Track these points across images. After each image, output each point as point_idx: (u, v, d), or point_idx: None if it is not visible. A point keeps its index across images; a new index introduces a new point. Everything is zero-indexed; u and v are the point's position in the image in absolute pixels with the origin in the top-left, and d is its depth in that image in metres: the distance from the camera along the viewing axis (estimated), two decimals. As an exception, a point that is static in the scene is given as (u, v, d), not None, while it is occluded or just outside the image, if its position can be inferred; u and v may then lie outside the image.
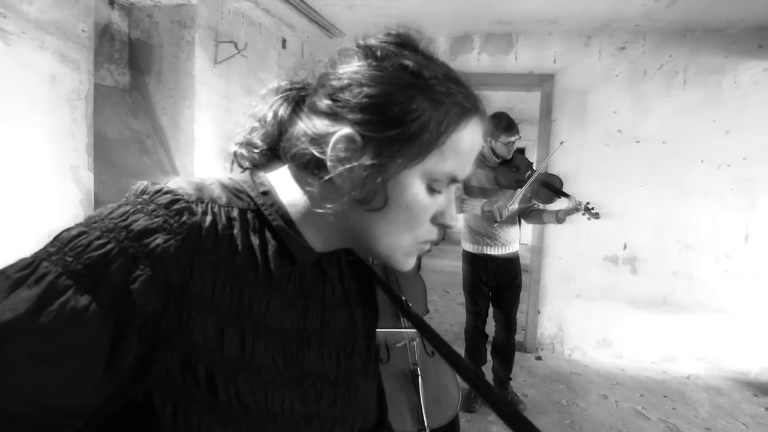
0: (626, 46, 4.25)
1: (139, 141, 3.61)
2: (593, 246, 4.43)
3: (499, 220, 3.06)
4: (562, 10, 3.85)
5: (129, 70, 3.77)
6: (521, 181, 3.27)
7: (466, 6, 3.84)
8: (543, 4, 3.72)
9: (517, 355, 4.46)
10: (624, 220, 4.35)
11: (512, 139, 3.26)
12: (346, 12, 4.08)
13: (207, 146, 3.82)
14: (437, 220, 0.67)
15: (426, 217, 0.66)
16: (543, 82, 4.41)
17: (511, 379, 3.67)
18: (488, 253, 3.46)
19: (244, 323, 0.58)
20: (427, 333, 0.70)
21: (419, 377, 2.35)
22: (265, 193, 0.67)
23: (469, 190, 3.43)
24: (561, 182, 3.30)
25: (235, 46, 3.84)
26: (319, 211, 0.64)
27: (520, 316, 5.32)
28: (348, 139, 0.61)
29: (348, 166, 0.60)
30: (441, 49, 4.59)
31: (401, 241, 0.66)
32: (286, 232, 0.65)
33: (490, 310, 3.62)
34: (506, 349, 3.61)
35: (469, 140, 0.64)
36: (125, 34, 3.72)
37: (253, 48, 4.37)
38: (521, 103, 7.99)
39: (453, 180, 0.65)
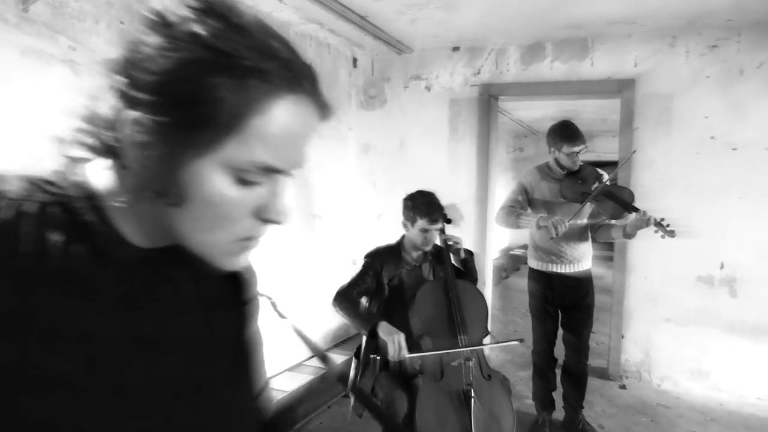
0: (718, 44, 3.85)
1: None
2: (684, 265, 4.02)
3: (554, 236, 2.86)
4: (638, 10, 3.58)
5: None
6: (587, 194, 3.04)
7: (533, 12, 3.68)
8: (617, 3, 3.48)
9: (599, 383, 4.15)
10: (720, 237, 3.91)
11: (576, 149, 3.05)
12: (409, 27, 4.06)
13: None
14: (261, 215, 0.61)
15: (240, 212, 0.59)
16: (623, 87, 4.11)
17: (583, 407, 3.39)
18: (554, 270, 3.24)
19: (26, 333, 0.52)
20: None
21: (472, 399, 2.23)
22: (79, 185, 0.59)
23: (533, 203, 3.25)
24: (631, 195, 3.03)
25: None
26: (117, 204, 0.57)
27: (603, 340, 4.95)
28: (135, 122, 0.53)
29: (141, 153, 0.54)
30: (512, 59, 4.44)
31: (215, 239, 0.59)
32: (94, 227, 0.58)
33: (560, 332, 3.38)
34: (578, 374, 3.34)
35: (281, 123, 0.56)
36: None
37: (322, 68, 4.47)
38: (615, 114, 7.52)
39: (269, 170, 0.58)
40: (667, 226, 2.87)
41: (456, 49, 4.62)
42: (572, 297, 3.26)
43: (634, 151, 3.45)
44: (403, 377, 2.38)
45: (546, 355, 3.37)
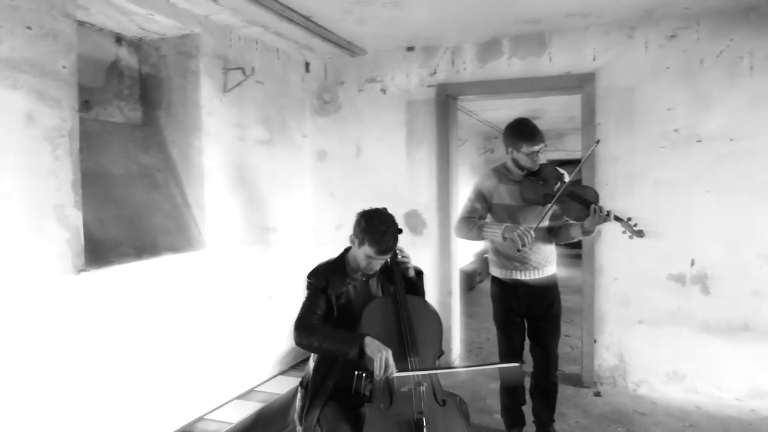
0: (677, 34, 3.72)
1: (148, 176, 3.53)
2: (654, 264, 3.86)
3: (521, 248, 2.67)
4: (594, 1, 3.42)
5: (141, 106, 3.73)
6: (550, 195, 2.84)
7: (487, 6, 3.49)
8: (571, -5, 3.32)
9: (573, 391, 3.96)
10: (689, 233, 3.76)
11: (535, 148, 2.85)
12: (357, 27, 3.85)
13: (217, 178, 3.68)
14: None
15: None
16: (582, 82, 3.95)
17: (554, 421, 3.19)
18: (518, 278, 3.04)
19: None
20: None
21: (424, 428, 2.00)
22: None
23: (493, 208, 3.05)
24: (595, 194, 2.85)
25: (243, 72, 3.71)
26: None
27: (577, 344, 4.77)
28: None
29: None
30: (468, 57, 4.25)
31: None
32: None
33: (527, 343, 3.18)
34: (547, 387, 3.15)
35: None
36: (135, 70, 3.69)
37: (271, 73, 4.25)
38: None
39: None
40: (635, 225, 2.69)
41: (411, 48, 4.42)
42: (539, 306, 3.06)
43: (598, 142, 3.25)
44: (352, 406, 2.14)
45: (513, 368, 3.16)
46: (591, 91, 3.93)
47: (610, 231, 3.87)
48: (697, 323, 3.78)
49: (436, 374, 2.20)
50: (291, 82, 4.55)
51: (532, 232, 2.67)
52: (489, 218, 3.11)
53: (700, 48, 3.68)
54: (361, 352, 2.00)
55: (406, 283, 2.42)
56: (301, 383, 2.36)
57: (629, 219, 2.71)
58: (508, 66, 4.14)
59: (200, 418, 2.97)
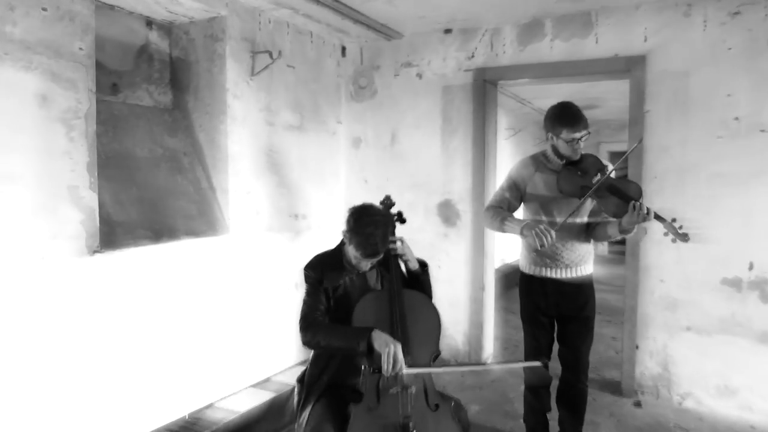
0: (741, 11, 3.34)
1: (174, 159, 3.53)
2: (707, 265, 3.52)
3: (539, 247, 2.45)
4: (643, -26, 3.11)
5: (171, 90, 3.73)
6: (587, 187, 2.60)
7: (523, -16, 3.26)
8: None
9: (610, 399, 3.70)
10: (748, 233, 3.39)
11: (576, 135, 2.60)
12: (388, 7, 3.69)
13: (243, 162, 3.64)
14: None
15: None
16: (631, 65, 3.63)
17: (582, 434, 2.96)
18: (548, 275, 2.81)
19: None
20: None
21: None
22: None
23: (526, 198, 2.83)
24: (638, 190, 2.57)
25: (270, 55, 3.64)
26: None
27: (617, 347, 4.43)
28: None
29: None
30: (508, 40, 4.01)
31: None
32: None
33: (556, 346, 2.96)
34: (574, 396, 2.92)
35: None
36: (166, 53, 3.70)
37: (303, 57, 4.16)
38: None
39: None
40: (680, 228, 2.41)
41: (448, 31, 4.22)
42: (569, 307, 2.83)
43: (641, 141, 2.93)
44: (347, 403, 2.03)
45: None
46: (640, 76, 3.61)
47: (658, 229, 3.54)
48: (754, 333, 3.41)
49: (431, 376, 2.04)
50: (325, 67, 4.45)
51: (553, 233, 2.45)
52: (523, 208, 2.90)
53: (768, 26, 3.29)
54: (370, 347, 1.90)
55: (408, 276, 2.28)
56: (298, 378, 2.27)
57: (674, 220, 2.43)
58: (551, 48, 3.87)
59: (210, 405, 2.96)
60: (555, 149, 2.71)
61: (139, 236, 3.05)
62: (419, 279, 2.31)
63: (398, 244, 2.24)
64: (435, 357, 2.10)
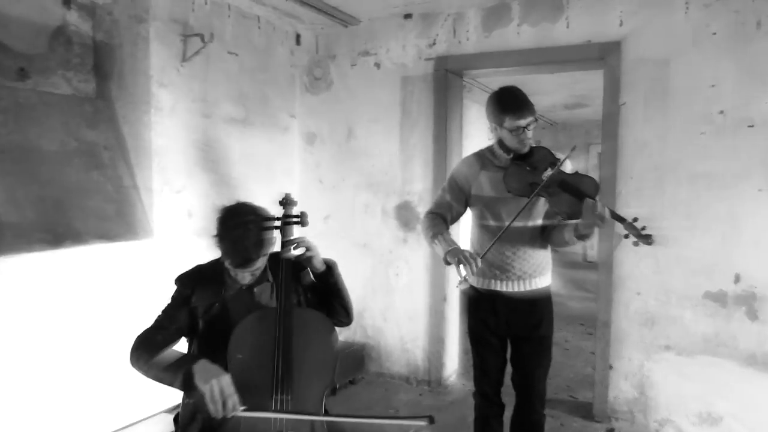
0: (727, -9, 2.96)
1: (91, 154, 3.15)
2: (688, 277, 3.13)
3: (462, 278, 2.14)
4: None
5: (94, 77, 3.35)
6: (536, 184, 2.22)
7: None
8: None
9: (580, 425, 3.32)
10: (734, 242, 3.01)
11: (521, 122, 2.21)
12: (336, -13, 3.32)
13: (171, 157, 3.26)
14: None
15: None
16: (605, 53, 3.25)
17: (538, 472, 2.56)
18: (497, 289, 2.43)
19: None
20: None
21: None
22: None
23: (472, 201, 2.44)
24: (594, 186, 2.19)
25: (201, 38, 3.26)
26: None
27: (583, 371, 4.05)
28: None
29: None
30: (472, 25, 3.63)
31: None
32: None
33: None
34: (529, 428, 2.53)
35: None
36: (88, 36, 3.31)
37: (248, 44, 3.78)
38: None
39: None
40: (642, 229, 2.05)
41: (408, 16, 3.84)
42: (521, 325, 2.44)
43: (574, 148, 2.50)
44: None
45: (487, 401, 2.56)
46: (615, 64, 3.23)
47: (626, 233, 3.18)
48: (740, 354, 3.03)
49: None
50: (276, 56, 4.07)
51: (479, 260, 2.11)
52: (469, 212, 2.52)
53: (757, 8, 2.91)
54: (190, 383, 1.49)
55: (318, 282, 1.90)
56: (174, 418, 1.88)
57: (635, 220, 2.06)
58: (518, 34, 3.49)
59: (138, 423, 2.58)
60: (501, 143, 2.34)
61: (35, 240, 2.67)
62: (328, 282, 1.91)
63: (297, 250, 1.85)
64: (329, 392, 1.70)
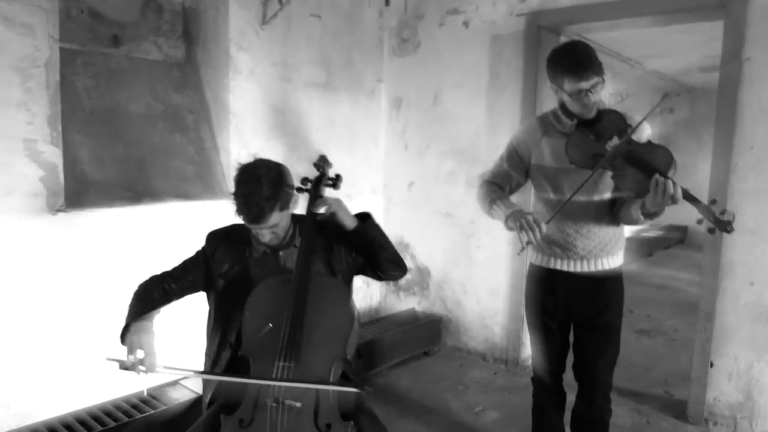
0: None
1: (176, 117, 3.31)
2: (817, 268, 2.62)
3: (524, 245, 1.90)
4: None
5: (183, 43, 3.50)
6: (600, 155, 1.94)
7: None
8: None
9: (670, 425, 3.00)
10: None
11: (584, 84, 1.92)
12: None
13: (249, 121, 3.33)
14: None
15: None
16: (728, 0, 2.75)
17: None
18: (557, 268, 2.18)
19: None
20: None
21: None
22: None
23: (532, 171, 2.20)
24: (667, 159, 1.85)
25: (279, 0, 3.25)
26: None
27: (687, 366, 3.53)
28: None
29: None
30: (568, -25, 3.25)
31: None
32: None
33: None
34: (589, 423, 2.28)
35: None
36: (178, 3, 3.46)
37: (333, 6, 3.73)
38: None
39: None
40: (721, 213, 1.72)
41: (500, -33, 3.53)
42: (584, 310, 2.18)
43: (666, 95, 2.13)
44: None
45: (546, 385, 2.35)
46: (739, 11, 2.71)
47: (751, 213, 2.72)
48: None
49: (323, 392, 1.55)
50: (363, 18, 3.97)
51: (544, 226, 1.87)
52: (533, 184, 2.28)
53: None
54: (123, 337, 1.60)
55: (355, 240, 1.81)
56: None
57: (713, 202, 1.74)
58: (620, -19, 3.06)
59: (174, 383, 2.73)
60: (563, 106, 2.06)
61: (116, 197, 2.87)
62: (367, 238, 1.82)
63: (320, 209, 1.77)
64: (334, 366, 1.59)
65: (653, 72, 7.13)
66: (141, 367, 1.50)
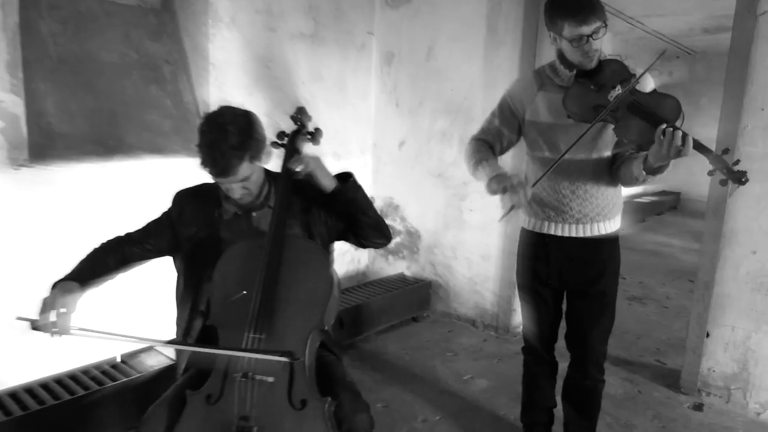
0: None
1: (152, 67, 3.10)
2: (823, 237, 2.50)
3: (507, 210, 1.75)
4: None
5: (160, -13, 3.27)
6: (601, 107, 1.78)
7: None
8: None
9: (662, 395, 2.91)
10: None
11: (584, 29, 1.73)
12: None
13: (230, 73, 3.13)
14: None
15: None
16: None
17: (594, 443, 2.24)
18: (550, 232, 2.05)
19: None
20: None
21: None
22: None
23: (526, 127, 2.03)
24: (674, 109, 1.70)
25: (263, -59, 3.00)
26: None
27: (679, 334, 3.47)
28: None
29: None
30: None
31: None
32: None
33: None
34: (582, 394, 2.20)
35: None
36: (156, -57, 3.21)
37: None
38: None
39: None
40: (734, 164, 1.59)
41: None
42: (578, 277, 2.06)
43: (664, 52, 1.97)
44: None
45: (538, 355, 2.25)
46: (757, -40, 2.51)
47: (757, 177, 2.58)
48: None
49: (298, 364, 1.42)
50: (356, -36, 3.73)
51: (529, 190, 1.72)
52: (526, 142, 2.12)
53: None
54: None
55: (333, 202, 1.65)
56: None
57: (725, 151, 1.59)
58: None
59: (148, 349, 2.61)
60: (562, 56, 1.89)
61: (86, 151, 2.69)
62: (346, 199, 1.65)
63: (295, 167, 1.60)
64: (310, 337, 1.46)
65: (655, 33, 6.90)
66: (54, 329, 1.34)
